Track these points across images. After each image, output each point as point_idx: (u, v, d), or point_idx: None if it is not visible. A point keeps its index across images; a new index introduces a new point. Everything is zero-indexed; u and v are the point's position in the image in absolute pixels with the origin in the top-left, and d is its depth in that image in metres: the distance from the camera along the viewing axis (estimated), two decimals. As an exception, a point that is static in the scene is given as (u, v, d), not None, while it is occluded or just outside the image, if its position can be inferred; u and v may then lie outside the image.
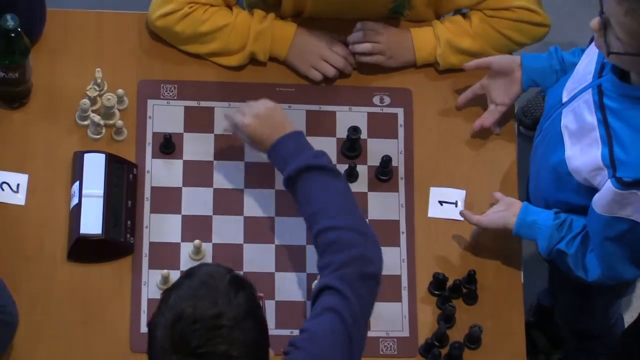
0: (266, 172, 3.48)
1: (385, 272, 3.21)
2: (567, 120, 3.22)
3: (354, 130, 3.44)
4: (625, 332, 3.65)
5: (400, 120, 3.55)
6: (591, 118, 3.11)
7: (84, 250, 3.31)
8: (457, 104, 3.59)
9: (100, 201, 3.33)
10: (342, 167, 3.46)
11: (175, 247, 3.37)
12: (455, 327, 3.31)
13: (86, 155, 3.39)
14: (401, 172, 3.49)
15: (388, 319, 3.34)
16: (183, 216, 3.42)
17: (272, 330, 3.09)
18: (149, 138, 3.48)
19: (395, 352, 3.29)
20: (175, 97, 3.54)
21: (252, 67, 3.60)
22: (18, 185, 3.40)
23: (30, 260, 3.33)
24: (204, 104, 3.54)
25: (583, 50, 3.40)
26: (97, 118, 3.42)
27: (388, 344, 3.30)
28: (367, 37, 3.60)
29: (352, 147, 3.48)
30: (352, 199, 3.24)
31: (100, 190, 3.35)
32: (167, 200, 3.44)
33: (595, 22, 2.96)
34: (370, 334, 3.24)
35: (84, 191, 3.34)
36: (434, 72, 3.60)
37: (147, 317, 3.29)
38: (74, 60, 3.56)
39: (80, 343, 3.27)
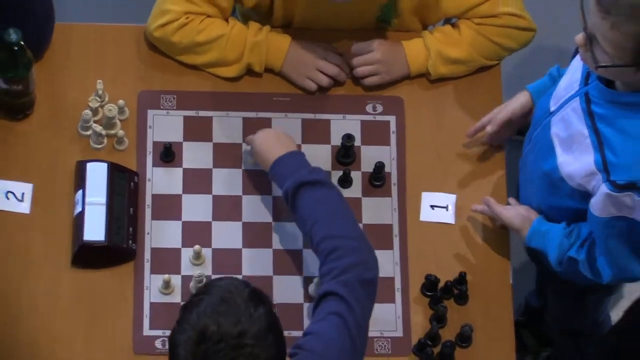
0: (263, 179, 3.47)
1: (380, 274, 3.21)
2: (557, 129, 3.23)
3: (348, 137, 3.45)
4: (613, 328, 3.66)
5: (393, 127, 3.55)
6: (581, 125, 3.12)
7: (87, 256, 3.32)
8: (468, 134, 3.55)
9: (103, 209, 3.33)
10: (337, 174, 3.48)
11: (176, 252, 3.38)
12: (446, 326, 3.33)
13: (89, 165, 3.39)
14: (394, 177, 3.50)
15: (382, 320, 3.34)
16: (183, 222, 3.42)
17: None
18: (149, 147, 3.48)
19: (390, 352, 3.31)
20: (174, 107, 3.54)
21: (248, 77, 3.59)
22: (23, 194, 3.40)
23: (35, 266, 3.33)
24: (202, 113, 3.54)
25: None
26: (98, 128, 3.44)
27: (382, 343, 3.31)
28: (366, 52, 3.60)
29: (346, 154, 3.48)
30: (349, 209, 3.25)
31: (102, 198, 3.35)
32: (168, 207, 3.44)
33: (580, 37, 2.98)
34: None
35: (87, 199, 3.35)
36: (425, 81, 3.60)
37: (149, 321, 3.30)
38: (75, 72, 3.55)
39: (84, 346, 3.27)
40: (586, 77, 3.13)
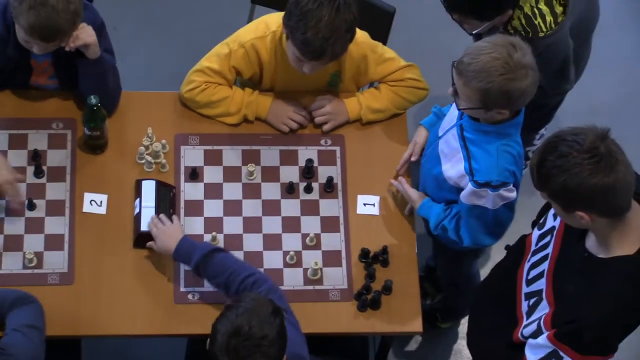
0: (255, 189, 3.51)
1: (332, 248, 3.44)
2: (442, 147, 3.28)
3: (309, 161, 3.54)
4: (482, 282, 3.48)
5: (338, 154, 3.61)
6: (457, 145, 3.20)
7: (143, 241, 3.38)
8: (398, 168, 3.52)
9: (153, 210, 3.40)
10: (303, 184, 3.52)
11: (200, 237, 3.43)
12: (375, 281, 3.40)
13: (143, 182, 3.46)
14: (339, 186, 3.56)
15: (333, 277, 3.41)
16: (204, 218, 3.47)
17: None
18: (182, 170, 3.54)
19: (339, 298, 3.37)
20: (198, 144, 3.59)
21: (244, 124, 3.62)
22: (101, 201, 3.46)
23: (109, 248, 3.40)
24: (216, 147, 3.59)
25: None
26: (149, 158, 3.52)
27: (334, 293, 3.38)
28: (322, 108, 3.60)
29: (309, 172, 3.55)
30: (237, 259, 3.22)
31: (152, 203, 3.41)
32: (194, 208, 3.49)
33: (450, 90, 3.10)
34: (322, 287, 3.37)
35: (142, 204, 3.41)
36: (358, 124, 3.64)
37: (183, 282, 3.34)
38: (134, 123, 3.60)
39: (142, 298, 3.33)
40: (461, 115, 3.18)
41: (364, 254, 3.46)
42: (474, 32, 3.37)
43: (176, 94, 3.68)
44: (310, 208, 3.54)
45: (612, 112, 4.60)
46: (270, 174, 3.59)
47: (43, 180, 3.51)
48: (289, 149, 3.64)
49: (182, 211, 3.49)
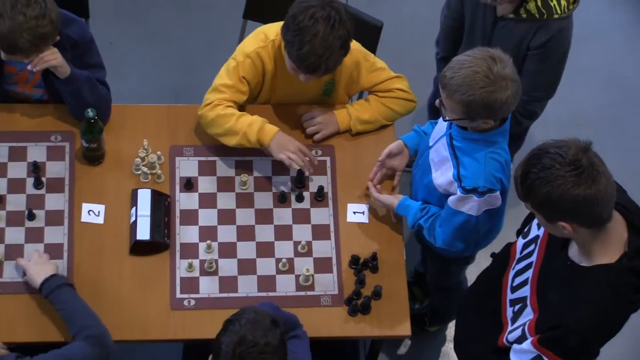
0: (248, 199, 3.50)
1: (323, 255, 3.43)
2: (433, 156, 3.29)
3: (301, 171, 3.49)
4: (469, 288, 3.49)
5: (329, 164, 3.59)
6: (446, 153, 3.21)
7: (139, 248, 3.39)
8: (371, 177, 3.49)
9: (148, 219, 3.40)
10: (294, 194, 3.51)
11: (195, 245, 3.43)
12: (365, 287, 3.40)
13: (139, 191, 3.46)
14: (330, 195, 3.55)
15: (325, 283, 3.40)
16: (199, 226, 3.46)
17: (254, 293, 3.31)
18: (177, 180, 3.53)
19: (330, 304, 3.37)
20: (192, 155, 3.58)
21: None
22: (99, 211, 3.45)
23: (106, 256, 3.39)
24: (210, 158, 3.57)
25: (431, 123, 3.44)
26: (145, 169, 3.51)
27: (325, 298, 3.38)
28: (313, 118, 3.59)
29: (300, 181, 3.54)
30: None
31: (148, 212, 3.41)
32: (189, 217, 3.48)
33: (437, 102, 3.11)
34: (314, 293, 3.36)
35: (138, 213, 3.41)
36: (348, 135, 3.63)
37: (179, 288, 3.33)
38: (130, 135, 3.59)
39: (139, 305, 3.32)
40: (450, 124, 3.18)
41: (354, 261, 3.46)
42: (499, 15, 3.31)
43: (171, 106, 3.70)
44: (301, 216, 3.53)
45: (594, 122, 4.60)
46: (263, 183, 3.57)
47: (42, 191, 3.50)
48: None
49: (177, 220, 3.49)
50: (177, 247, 3.45)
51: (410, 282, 3.86)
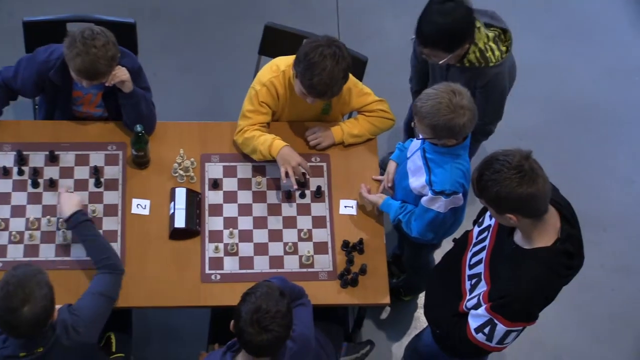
0: (262, 195, 3.47)
1: (320, 240, 3.39)
2: (410, 165, 3.28)
3: (303, 174, 3.47)
4: (435, 266, 3.39)
5: (325, 168, 3.56)
6: (420, 163, 3.19)
7: (176, 234, 3.36)
8: (387, 186, 3.43)
9: (184, 211, 3.37)
10: (298, 192, 3.46)
11: (220, 232, 3.40)
12: (354, 265, 3.38)
13: (176, 189, 3.43)
14: (326, 193, 3.51)
15: (322, 262, 3.37)
16: (224, 217, 3.43)
17: (266, 269, 3.28)
18: (206, 181, 3.50)
19: (326, 278, 3.34)
20: (218, 161, 3.55)
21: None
22: (145, 205, 3.43)
23: (151, 240, 3.37)
24: (232, 164, 3.54)
25: (411, 140, 3.39)
26: (181, 172, 3.50)
27: (322, 274, 3.35)
28: (314, 133, 3.56)
29: (303, 182, 3.50)
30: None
31: (183, 206, 3.38)
32: (215, 210, 3.44)
33: (412, 123, 3.09)
34: (313, 269, 3.32)
35: (176, 206, 3.38)
36: (341, 147, 3.60)
37: (208, 266, 3.30)
38: (170, 146, 3.56)
39: (176, 279, 3.29)
40: (423, 141, 3.15)
41: (345, 245, 3.45)
42: (439, 63, 3.31)
43: (201, 123, 3.66)
44: (304, 210, 3.50)
45: (534, 136, 4.57)
46: (274, 184, 3.54)
47: (101, 189, 3.48)
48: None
49: (206, 212, 3.46)
50: (206, 234, 3.42)
51: (389, 262, 3.87)
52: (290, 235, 3.44)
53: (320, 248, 3.44)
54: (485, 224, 3.03)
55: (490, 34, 3.40)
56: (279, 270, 3.36)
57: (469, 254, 3.05)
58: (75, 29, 3.27)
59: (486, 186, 2.67)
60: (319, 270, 3.39)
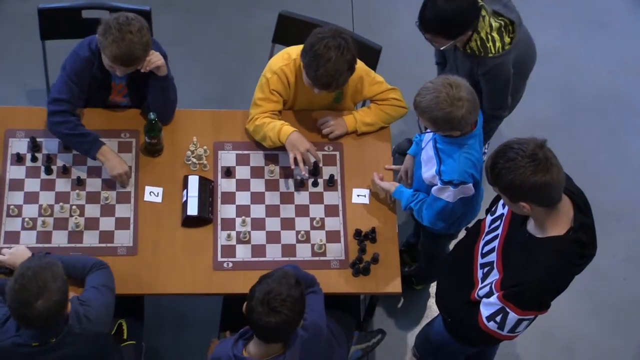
0: (275, 184, 3.47)
1: (333, 229, 3.40)
2: (423, 155, 3.30)
3: (316, 163, 3.51)
4: (448, 254, 3.43)
5: (338, 157, 3.57)
6: (432, 153, 3.21)
7: (189, 222, 3.38)
8: (404, 178, 3.49)
9: (196, 199, 3.38)
10: (311, 180, 3.47)
11: (233, 220, 3.41)
12: (366, 254, 3.39)
13: (189, 177, 3.44)
14: (339, 182, 3.52)
15: (334, 251, 3.38)
16: (236, 205, 3.44)
17: (279, 258, 3.29)
18: (219, 169, 3.51)
19: (338, 267, 3.35)
20: (231, 149, 3.55)
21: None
22: (158, 193, 3.44)
23: (163, 227, 3.38)
24: (245, 152, 3.55)
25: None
26: (194, 160, 3.51)
27: (334, 263, 3.36)
28: (327, 122, 3.58)
29: (315, 170, 3.52)
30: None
31: (196, 193, 3.39)
32: (228, 197, 3.46)
33: (419, 120, 3.09)
34: (325, 258, 3.34)
35: (188, 194, 3.39)
36: (354, 135, 3.60)
37: (220, 253, 3.31)
38: (183, 133, 3.56)
39: (189, 266, 3.31)
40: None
41: (357, 233, 3.45)
42: (441, 49, 3.32)
43: (215, 111, 3.67)
44: (316, 198, 3.51)
45: (549, 125, 4.57)
46: (286, 172, 3.54)
47: (114, 176, 3.50)
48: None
49: (219, 200, 3.47)
50: (219, 221, 3.43)
51: (401, 251, 3.87)
52: (302, 224, 3.44)
53: (332, 237, 3.44)
54: (498, 213, 3.03)
55: (495, 24, 3.39)
56: (291, 258, 3.36)
57: (482, 243, 3.04)
58: (108, 17, 3.24)
59: (500, 174, 2.67)
60: (331, 259, 3.39)
